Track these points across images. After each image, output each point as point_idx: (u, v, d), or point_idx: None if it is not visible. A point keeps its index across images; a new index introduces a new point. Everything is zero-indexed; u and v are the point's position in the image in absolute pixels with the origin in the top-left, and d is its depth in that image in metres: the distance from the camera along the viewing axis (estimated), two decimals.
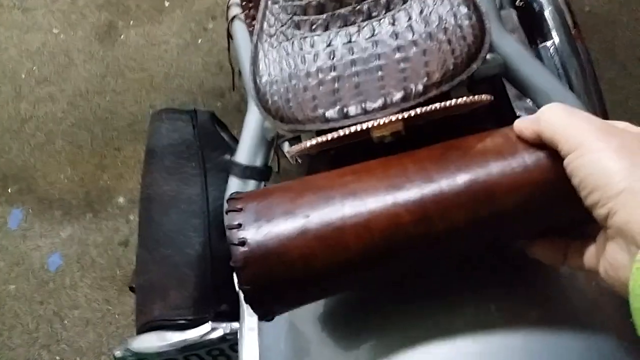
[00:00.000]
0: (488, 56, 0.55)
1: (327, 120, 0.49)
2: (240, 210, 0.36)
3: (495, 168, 0.35)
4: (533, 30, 0.87)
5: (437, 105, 0.39)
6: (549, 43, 0.84)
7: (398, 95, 0.47)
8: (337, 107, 0.49)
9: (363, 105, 0.48)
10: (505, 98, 0.68)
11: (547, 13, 0.87)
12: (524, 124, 0.36)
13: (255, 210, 0.36)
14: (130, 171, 1.28)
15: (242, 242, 0.35)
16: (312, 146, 0.42)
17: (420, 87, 0.47)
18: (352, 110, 0.48)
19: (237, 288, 0.62)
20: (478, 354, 0.37)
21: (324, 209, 0.35)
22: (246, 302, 0.36)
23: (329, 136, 0.41)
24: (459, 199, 0.34)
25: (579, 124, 0.32)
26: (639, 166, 0.29)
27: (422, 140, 0.45)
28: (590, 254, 0.34)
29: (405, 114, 0.40)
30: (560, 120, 0.33)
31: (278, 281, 0.35)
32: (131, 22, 1.43)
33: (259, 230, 0.35)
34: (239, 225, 0.35)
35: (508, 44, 0.61)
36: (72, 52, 1.43)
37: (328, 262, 0.35)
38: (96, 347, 1.12)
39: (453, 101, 0.39)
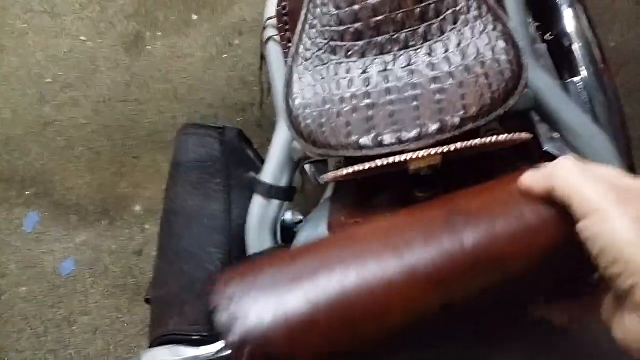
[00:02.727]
0: None
1: (361, 147, 0.49)
2: (230, 298, 0.29)
3: (503, 234, 0.33)
4: (561, 63, 0.87)
5: (478, 141, 0.39)
6: (576, 78, 0.84)
7: (434, 127, 0.47)
8: (372, 135, 0.49)
9: (398, 135, 0.48)
10: (532, 131, 0.68)
11: (576, 47, 0.87)
12: (534, 180, 0.34)
13: (248, 294, 0.30)
14: (149, 180, 1.28)
15: (240, 343, 0.29)
16: (347, 174, 0.42)
17: (456, 120, 0.47)
18: (387, 139, 0.48)
19: None
20: None
21: (329, 296, 0.29)
22: None
23: (366, 166, 0.41)
24: (468, 267, 0.32)
25: (596, 186, 0.31)
26: None
27: (454, 172, 0.45)
28: (604, 312, 0.33)
29: (445, 148, 0.40)
30: (575, 179, 0.32)
31: None
32: (158, 33, 1.45)
33: (257, 325, 0.29)
34: (229, 319, 0.29)
35: (540, 79, 0.61)
36: (98, 59, 1.45)
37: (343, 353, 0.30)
38: (103, 355, 1.12)
39: (494, 138, 0.39)
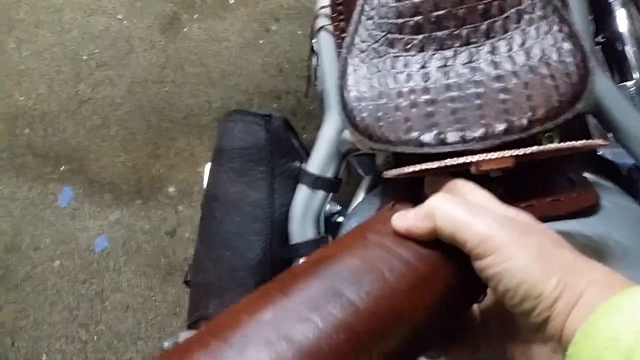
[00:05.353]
0: None
1: (422, 144, 0.49)
2: None
3: (396, 289, 0.30)
4: (612, 66, 0.85)
5: (554, 145, 0.38)
6: (629, 83, 0.82)
7: (500, 127, 0.46)
8: (434, 132, 0.49)
9: (462, 134, 0.47)
10: (587, 135, 0.66)
11: (629, 50, 0.85)
12: (413, 223, 0.32)
13: None
14: (183, 163, 1.29)
15: None
16: (413, 172, 0.41)
17: (524, 122, 0.46)
18: (451, 137, 0.47)
19: None
20: None
21: None
22: None
23: (436, 164, 0.40)
24: (366, 333, 0.28)
25: (485, 220, 0.30)
26: (567, 272, 0.29)
27: (517, 175, 0.44)
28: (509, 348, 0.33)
29: (520, 152, 0.39)
30: (458, 214, 0.31)
31: None
32: (195, 15, 1.44)
33: None
34: None
35: (602, 83, 0.60)
36: (134, 39, 1.45)
37: None
38: (134, 332, 1.14)
39: (571, 143, 0.38)
